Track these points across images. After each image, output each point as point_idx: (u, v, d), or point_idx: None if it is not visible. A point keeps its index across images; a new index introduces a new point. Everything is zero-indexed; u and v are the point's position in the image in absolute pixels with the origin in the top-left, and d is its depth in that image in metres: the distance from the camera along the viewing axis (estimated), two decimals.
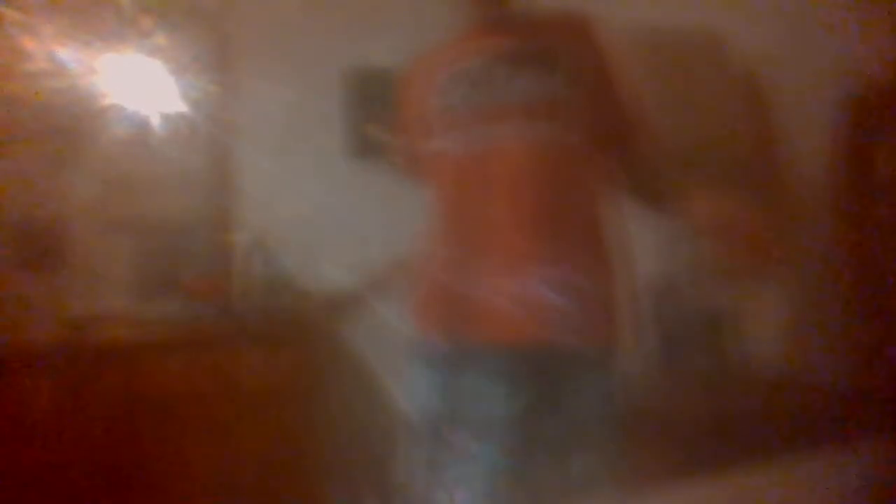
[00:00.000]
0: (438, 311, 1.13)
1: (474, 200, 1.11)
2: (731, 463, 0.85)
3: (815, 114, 1.52)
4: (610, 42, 1.21)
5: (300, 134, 1.99)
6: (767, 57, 1.61)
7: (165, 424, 1.77)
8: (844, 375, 1.43)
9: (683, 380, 1.64)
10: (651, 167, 1.22)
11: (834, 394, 1.42)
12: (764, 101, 1.66)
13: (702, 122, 1.77)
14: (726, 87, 1.72)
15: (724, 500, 0.83)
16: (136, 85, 1.51)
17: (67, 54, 1.39)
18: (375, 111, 2.04)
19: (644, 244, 1.74)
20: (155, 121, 1.57)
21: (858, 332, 1.43)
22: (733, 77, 1.70)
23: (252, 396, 1.82)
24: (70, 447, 1.68)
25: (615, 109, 1.21)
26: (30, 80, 1.40)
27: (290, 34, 2.03)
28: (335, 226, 1.88)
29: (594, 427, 1.10)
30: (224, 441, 1.79)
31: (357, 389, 2.07)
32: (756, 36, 1.60)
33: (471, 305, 1.07)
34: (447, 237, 1.14)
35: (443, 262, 1.13)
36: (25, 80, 1.41)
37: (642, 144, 1.23)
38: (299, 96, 1.86)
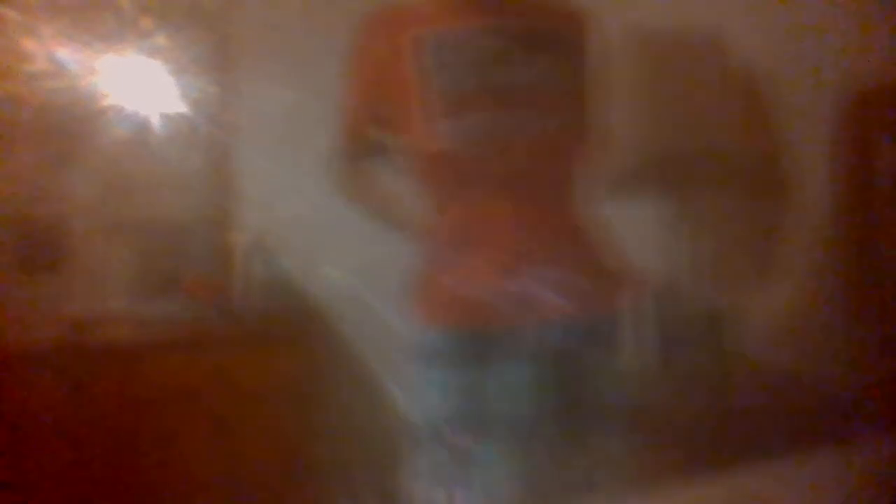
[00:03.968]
0: (441, 300, 1.11)
1: (477, 191, 1.07)
2: (731, 462, 0.85)
3: (815, 114, 1.52)
4: (595, 35, 1.18)
5: (300, 134, 1.98)
6: (767, 58, 1.61)
7: (165, 424, 1.76)
8: (845, 375, 1.43)
9: (683, 379, 1.64)
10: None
11: (834, 393, 1.42)
12: (764, 101, 1.66)
13: (701, 123, 1.77)
14: (726, 89, 1.72)
15: (723, 500, 0.83)
16: (136, 85, 1.51)
17: (67, 55, 1.39)
18: None
19: (644, 244, 1.75)
20: (155, 121, 1.57)
21: (858, 332, 1.43)
22: (733, 78, 1.70)
23: (252, 396, 1.82)
24: (70, 447, 1.68)
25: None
26: (30, 80, 1.40)
27: (290, 34, 2.02)
28: (335, 226, 1.87)
29: (606, 407, 1.09)
30: (224, 441, 1.79)
31: (357, 389, 2.07)
32: (756, 37, 1.60)
33: (473, 294, 1.06)
34: (447, 229, 1.12)
35: (443, 254, 1.12)
36: (25, 80, 1.41)
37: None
38: (299, 96, 1.86)
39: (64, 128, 1.84)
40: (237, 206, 2.10)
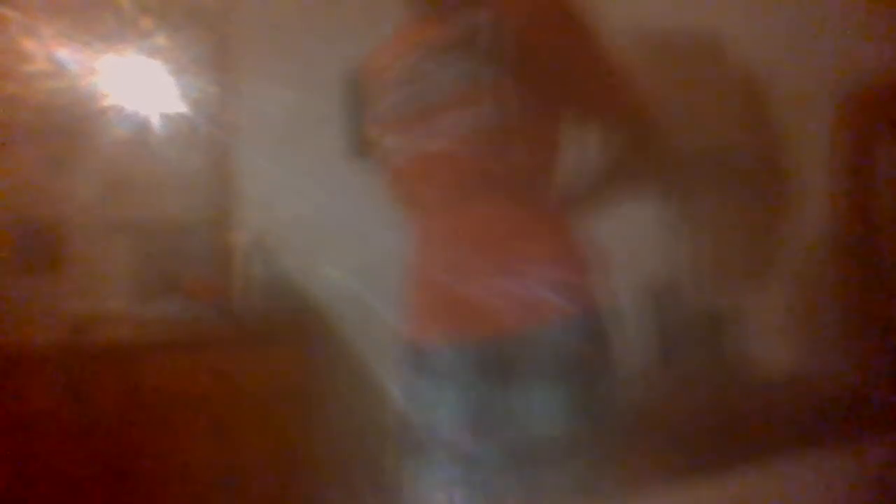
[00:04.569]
0: (426, 313, 1.13)
1: (431, 202, 1.10)
2: (731, 463, 0.85)
3: (815, 114, 1.52)
4: (580, 7, 1.13)
5: (300, 134, 1.99)
6: (767, 57, 1.61)
7: (165, 424, 1.77)
8: (845, 375, 1.43)
9: (683, 380, 1.64)
10: (634, 141, 1.19)
11: (834, 394, 1.42)
12: (764, 101, 1.67)
13: (701, 123, 1.77)
14: (726, 88, 1.72)
15: (724, 501, 0.83)
16: (136, 85, 1.51)
17: (67, 55, 1.39)
18: None
19: (644, 244, 1.75)
20: (155, 121, 1.57)
21: (858, 333, 1.43)
22: (733, 78, 1.70)
23: (252, 397, 1.82)
24: (70, 447, 1.68)
25: (591, 72, 1.13)
26: (30, 80, 1.40)
27: (290, 34, 2.03)
28: (335, 226, 1.87)
29: (605, 408, 1.09)
30: (224, 441, 1.79)
31: (357, 389, 2.07)
32: (756, 36, 1.60)
33: (456, 305, 1.07)
34: (417, 239, 1.14)
35: (421, 264, 1.13)
36: (25, 80, 1.41)
37: (627, 108, 1.18)
38: (299, 96, 1.86)
39: (64, 128, 1.85)
40: (237, 206, 2.11)
